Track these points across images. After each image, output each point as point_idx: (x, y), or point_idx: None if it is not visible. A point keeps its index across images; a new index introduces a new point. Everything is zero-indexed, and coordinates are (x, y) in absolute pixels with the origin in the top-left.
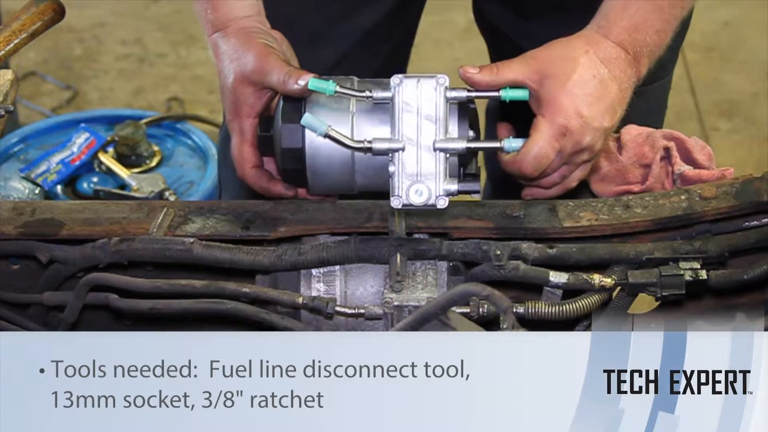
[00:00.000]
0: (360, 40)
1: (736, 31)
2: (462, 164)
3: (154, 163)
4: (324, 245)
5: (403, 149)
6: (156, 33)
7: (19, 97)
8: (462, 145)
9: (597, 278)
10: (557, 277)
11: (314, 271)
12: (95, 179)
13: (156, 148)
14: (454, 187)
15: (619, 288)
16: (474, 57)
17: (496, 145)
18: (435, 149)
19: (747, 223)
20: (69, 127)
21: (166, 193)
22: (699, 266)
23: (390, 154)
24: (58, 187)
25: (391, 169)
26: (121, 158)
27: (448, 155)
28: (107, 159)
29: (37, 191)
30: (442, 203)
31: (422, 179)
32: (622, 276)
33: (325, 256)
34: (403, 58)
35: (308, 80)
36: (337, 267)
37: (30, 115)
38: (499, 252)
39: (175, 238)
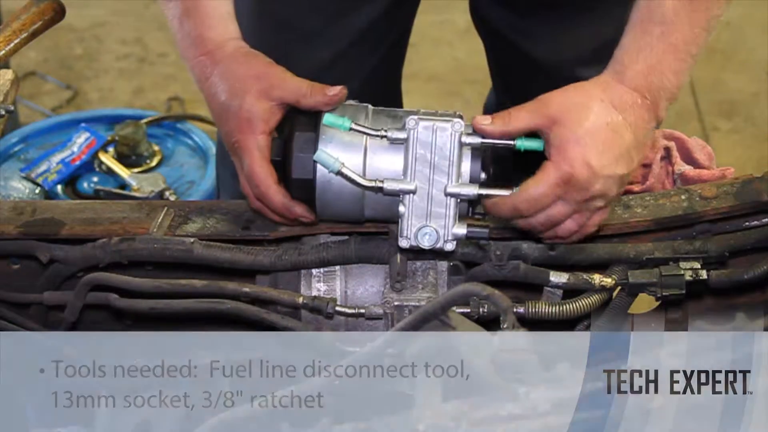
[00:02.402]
0: (356, 39)
1: (736, 31)
2: (472, 205)
3: (154, 163)
4: (324, 245)
5: (414, 191)
6: (156, 33)
7: (20, 96)
8: (473, 191)
9: (597, 278)
10: (557, 277)
11: (314, 271)
12: (95, 179)
13: (156, 148)
14: (462, 231)
15: (619, 288)
16: (474, 57)
17: (507, 193)
18: (446, 194)
19: (747, 223)
20: (69, 126)
21: (166, 193)
22: (699, 266)
23: (401, 195)
24: (59, 187)
25: (401, 209)
26: (121, 158)
27: (459, 200)
28: (107, 159)
29: (37, 191)
30: (450, 247)
31: (431, 222)
32: (623, 276)
33: (326, 256)
34: (399, 57)
35: (336, 90)
36: (338, 267)
37: (30, 115)
38: (499, 252)
39: (176, 238)
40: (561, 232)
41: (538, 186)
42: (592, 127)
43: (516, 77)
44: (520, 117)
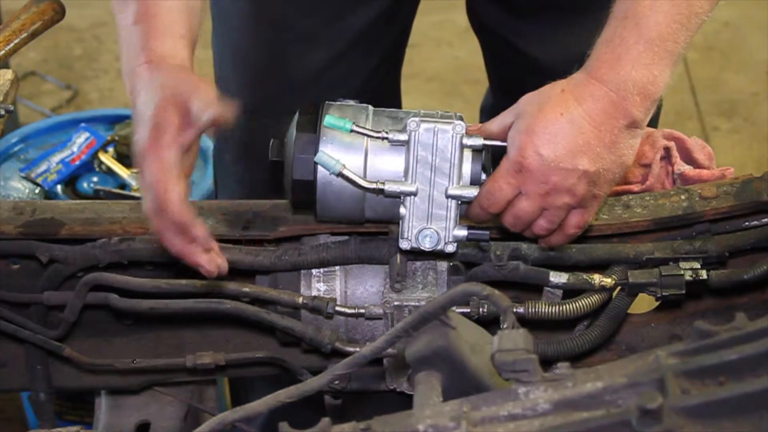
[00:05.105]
0: (354, 40)
1: (736, 31)
2: None
3: None
4: (324, 245)
5: (415, 193)
6: None
7: (19, 96)
8: (474, 193)
9: (597, 278)
10: (557, 277)
11: (314, 271)
12: (95, 179)
13: None
14: (463, 233)
15: (619, 288)
16: (474, 57)
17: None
18: (447, 196)
19: (747, 223)
20: (69, 126)
21: None
22: (699, 266)
23: (402, 197)
24: (58, 187)
25: (402, 211)
26: (121, 158)
27: (459, 202)
28: (107, 159)
29: (37, 191)
30: (450, 249)
31: (432, 224)
32: (622, 276)
33: (326, 256)
34: (398, 57)
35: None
36: (337, 267)
37: (30, 115)
38: (499, 252)
39: None
40: (537, 230)
41: (493, 177)
42: (545, 117)
43: (512, 77)
44: (500, 116)
